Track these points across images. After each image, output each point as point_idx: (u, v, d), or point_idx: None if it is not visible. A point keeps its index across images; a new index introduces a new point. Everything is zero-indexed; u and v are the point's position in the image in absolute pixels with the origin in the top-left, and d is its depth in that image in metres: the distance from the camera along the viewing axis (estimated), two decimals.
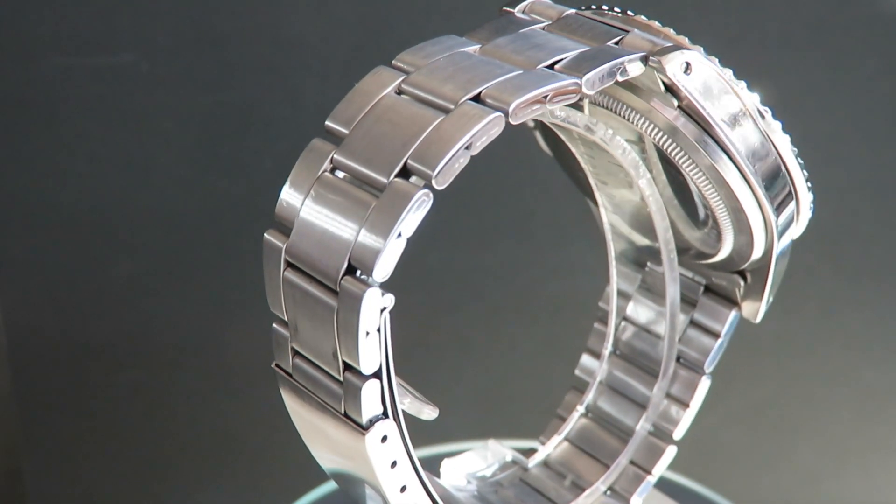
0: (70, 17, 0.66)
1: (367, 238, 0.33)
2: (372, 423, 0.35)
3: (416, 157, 0.33)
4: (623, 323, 0.49)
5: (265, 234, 0.35)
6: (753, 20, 0.71)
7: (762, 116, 0.38)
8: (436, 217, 0.84)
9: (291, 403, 0.38)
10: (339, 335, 0.34)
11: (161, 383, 0.77)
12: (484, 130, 0.33)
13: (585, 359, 0.50)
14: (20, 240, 0.72)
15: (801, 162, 0.40)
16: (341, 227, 0.33)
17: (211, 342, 0.75)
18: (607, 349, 0.49)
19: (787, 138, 0.39)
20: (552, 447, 0.50)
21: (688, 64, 0.36)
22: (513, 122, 0.33)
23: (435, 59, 0.36)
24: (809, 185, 0.40)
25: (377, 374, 0.34)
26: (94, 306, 0.75)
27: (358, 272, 0.33)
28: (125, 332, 0.75)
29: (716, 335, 0.46)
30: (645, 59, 0.35)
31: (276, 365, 0.38)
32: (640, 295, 0.48)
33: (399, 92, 0.35)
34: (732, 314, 0.45)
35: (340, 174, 0.34)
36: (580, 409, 0.50)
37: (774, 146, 0.39)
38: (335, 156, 0.34)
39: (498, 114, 0.33)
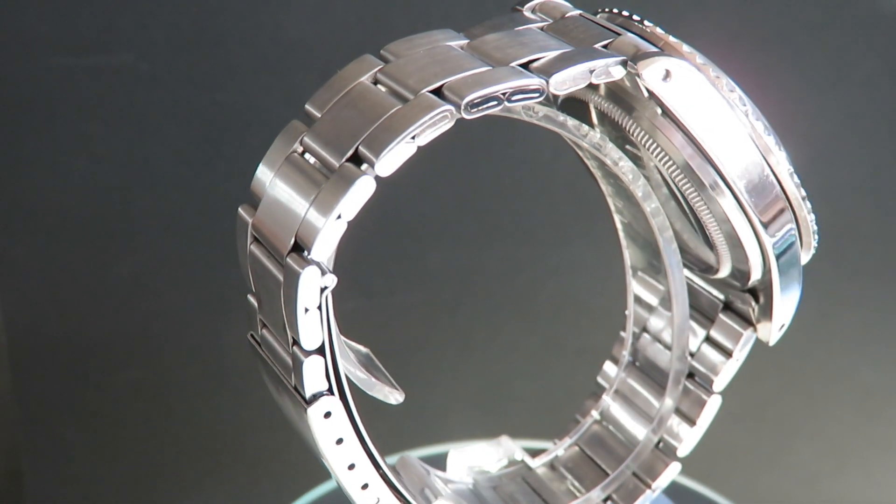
0: (70, 17, 0.66)
1: (311, 217, 0.34)
2: (315, 397, 0.36)
3: (365, 143, 0.34)
4: (644, 334, 0.49)
5: (238, 208, 0.37)
6: (753, 20, 0.71)
7: (755, 132, 0.38)
8: (436, 217, 0.84)
9: (261, 373, 0.39)
10: (285, 310, 0.35)
11: (161, 383, 0.77)
12: (431, 122, 0.33)
13: (608, 365, 0.50)
14: (20, 240, 0.72)
15: (798, 181, 0.39)
16: (294, 206, 0.34)
17: (211, 342, 0.75)
18: (625, 358, 0.49)
19: (783, 156, 0.38)
20: (562, 449, 0.50)
21: (668, 71, 0.36)
22: (465, 116, 0.33)
23: (417, 50, 0.36)
24: (809, 205, 0.39)
25: (321, 351, 0.35)
26: (94, 306, 0.75)
27: (305, 251, 0.34)
28: (125, 332, 0.75)
29: (728, 354, 0.45)
30: (626, 64, 0.35)
31: (251, 335, 0.39)
32: (662, 307, 0.48)
33: (375, 80, 0.36)
34: (746, 334, 0.44)
35: (310, 156, 0.35)
36: (595, 414, 0.50)
37: (769, 165, 0.38)
38: (304, 137, 0.36)
39: (447, 107, 0.33)
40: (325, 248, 0.34)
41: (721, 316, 0.45)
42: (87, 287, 0.74)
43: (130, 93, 0.69)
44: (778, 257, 0.40)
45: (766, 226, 0.39)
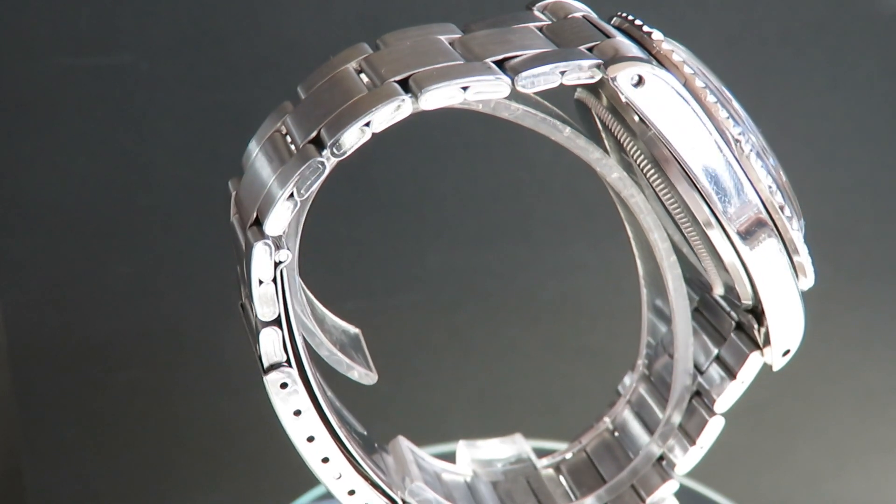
0: (70, 17, 0.66)
1: (269, 194, 0.35)
2: (273, 367, 0.38)
3: (326, 126, 0.35)
4: (659, 346, 0.48)
5: (229, 181, 0.39)
6: (753, 20, 0.71)
7: (738, 144, 0.37)
8: (436, 217, 0.84)
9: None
10: (246, 281, 0.37)
11: (161, 383, 0.77)
12: (386, 111, 0.34)
13: (628, 374, 0.50)
14: (20, 240, 0.72)
15: (781, 200, 0.37)
16: (261, 182, 0.36)
17: (211, 342, 0.75)
18: (640, 368, 0.49)
19: (763, 172, 0.37)
20: (571, 453, 0.50)
21: (640, 77, 0.35)
22: (424, 107, 0.34)
23: (405, 42, 0.37)
24: (796, 224, 0.38)
25: (277, 323, 0.37)
26: (94, 306, 0.75)
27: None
28: (125, 332, 0.75)
29: (732, 375, 0.43)
30: (600, 67, 0.35)
31: (240, 303, 0.40)
32: None
33: (360, 67, 0.37)
34: (752, 356, 0.43)
35: (288, 136, 0.37)
36: (607, 421, 0.49)
37: (749, 180, 0.37)
38: (286, 117, 0.37)
39: (403, 97, 0.34)
40: (276, 223, 0.35)
41: (732, 335, 0.44)
42: (87, 287, 0.74)
43: (130, 93, 0.69)
44: (763, 279, 0.39)
45: (745, 241, 0.38)
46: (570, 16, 0.38)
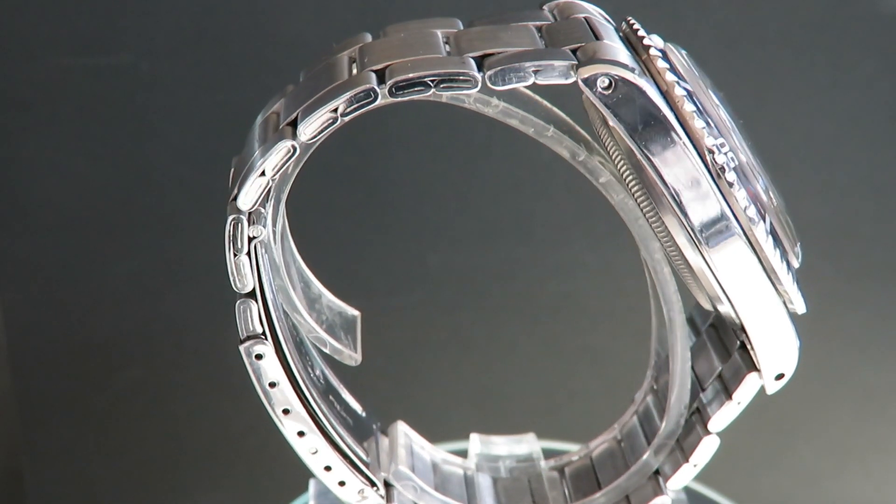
0: (70, 17, 0.66)
1: (247, 170, 0.37)
2: (249, 339, 0.39)
3: (303, 110, 0.36)
4: (666, 359, 0.47)
5: (233, 158, 0.40)
6: (753, 20, 0.71)
7: (711, 155, 0.36)
8: (436, 217, 0.84)
9: None
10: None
11: (161, 383, 0.77)
12: (355, 98, 0.35)
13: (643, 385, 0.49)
14: (20, 240, 0.72)
15: (756, 218, 0.37)
16: (248, 158, 0.37)
17: (211, 342, 0.75)
18: (648, 378, 0.48)
19: (737, 186, 0.36)
20: (577, 457, 0.50)
21: (612, 81, 0.35)
22: (393, 97, 0.35)
23: (401, 34, 0.38)
24: (774, 243, 0.37)
25: (252, 296, 0.38)
26: (94, 306, 0.75)
27: None
28: (125, 331, 0.75)
29: (729, 394, 0.43)
30: (573, 68, 0.35)
31: None
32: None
33: (354, 56, 0.38)
34: (749, 377, 0.42)
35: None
36: (616, 429, 0.49)
37: (721, 193, 0.36)
38: (283, 99, 0.38)
39: (369, 86, 0.35)
40: (246, 198, 0.36)
41: (735, 354, 0.43)
42: (87, 287, 0.74)
43: (130, 93, 0.69)
44: (738, 297, 0.38)
45: (715, 255, 0.37)
46: (572, 17, 0.38)
